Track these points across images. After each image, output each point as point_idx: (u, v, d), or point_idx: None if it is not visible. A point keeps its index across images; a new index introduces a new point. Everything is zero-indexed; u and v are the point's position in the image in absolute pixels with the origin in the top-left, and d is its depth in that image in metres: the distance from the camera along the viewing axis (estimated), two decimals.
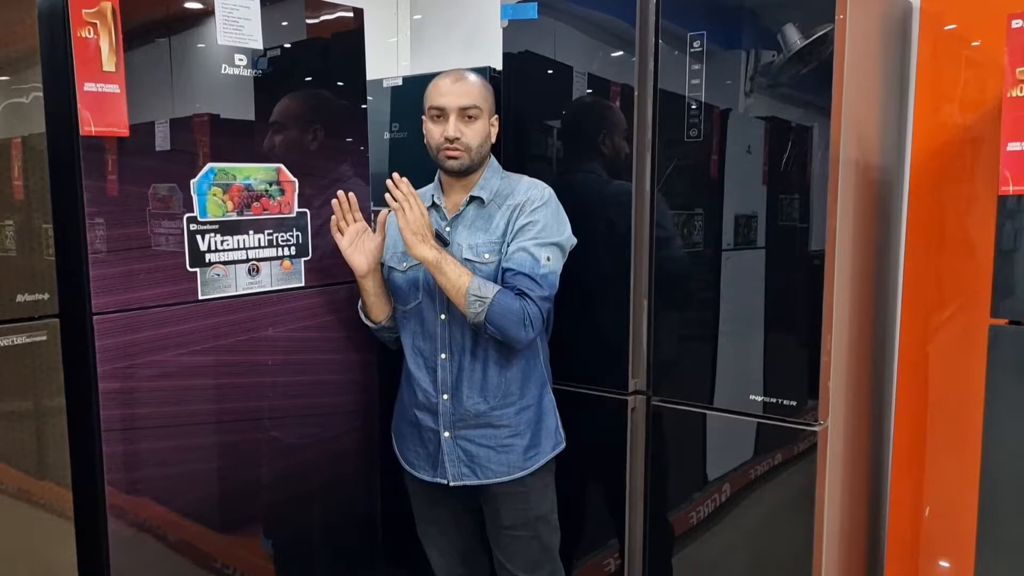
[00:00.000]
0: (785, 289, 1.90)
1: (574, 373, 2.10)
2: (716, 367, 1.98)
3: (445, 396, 1.88)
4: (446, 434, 1.88)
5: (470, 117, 1.84)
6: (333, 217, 1.89)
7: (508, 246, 1.82)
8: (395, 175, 1.78)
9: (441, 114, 1.84)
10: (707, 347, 1.99)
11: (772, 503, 1.95)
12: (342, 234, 1.89)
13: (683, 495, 2.05)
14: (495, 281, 1.82)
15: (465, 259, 1.83)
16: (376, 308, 1.96)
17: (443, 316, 1.87)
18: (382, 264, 1.96)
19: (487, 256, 1.84)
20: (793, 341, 1.90)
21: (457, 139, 1.82)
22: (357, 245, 1.89)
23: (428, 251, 1.75)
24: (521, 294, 1.77)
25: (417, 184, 1.99)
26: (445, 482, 1.90)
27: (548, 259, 1.80)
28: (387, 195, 1.78)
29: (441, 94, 1.84)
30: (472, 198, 1.89)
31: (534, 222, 1.81)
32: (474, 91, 1.85)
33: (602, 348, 2.02)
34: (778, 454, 1.92)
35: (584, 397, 2.10)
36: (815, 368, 1.85)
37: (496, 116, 1.92)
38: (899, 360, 2.28)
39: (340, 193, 1.89)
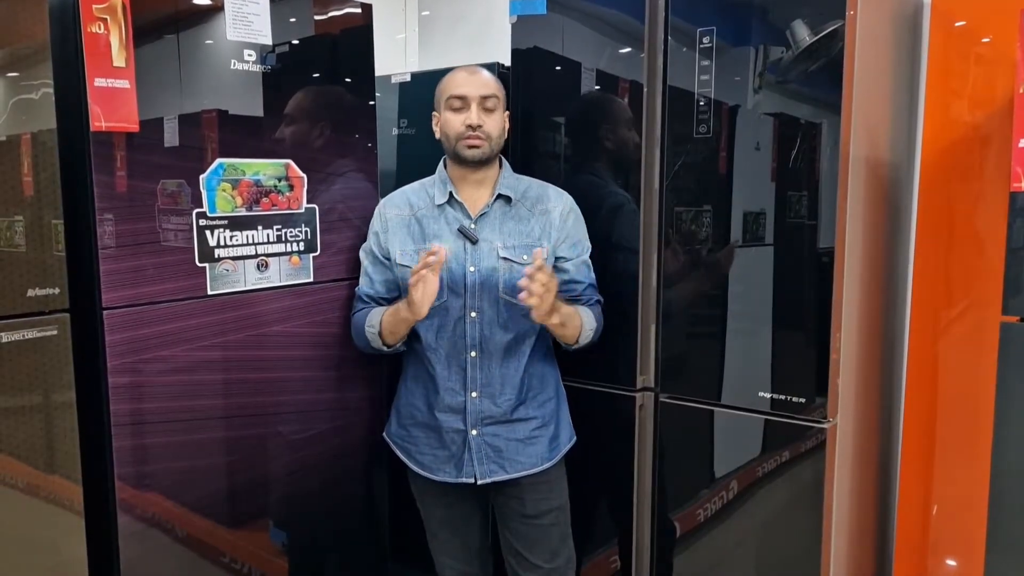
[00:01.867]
0: (794, 286, 1.89)
1: (583, 370, 2.09)
2: (724, 364, 1.98)
3: (473, 394, 1.87)
4: (473, 432, 1.87)
5: (489, 108, 1.85)
6: (425, 271, 1.70)
7: (562, 257, 1.91)
8: (535, 270, 1.66)
9: (462, 103, 1.84)
10: (715, 344, 1.98)
11: (780, 500, 1.95)
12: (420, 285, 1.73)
13: (691, 492, 2.05)
14: None
15: (502, 258, 1.85)
16: (403, 332, 1.89)
17: (473, 314, 1.85)
18: (385, 263, 1.93)
19: (525, 257, 1.85)
20: (802, 338, 1.89)
21: (480, 127, 1.83)
22: (426, 294, 1.74)
23: (555, 318, 1.79)
24: (594, 303, 1.96)
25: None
26: (472, 481, 1.88)
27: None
28: (523, 282, 1.68)
29: (461, 84, 1.85)
30: (499, 196, 1.89)
31: (580, 237, 1.95)
32: (492, 83, 1.87)
33: (610, 345, 2.02)
34: (786, 451, 1.92)
35: (592, 394, 2.10)
36: (824, 365, 1.85)
37: (507, 112, 1.93)
38: (908, 357, 2.27)
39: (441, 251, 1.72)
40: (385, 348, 1.91)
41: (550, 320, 1.78)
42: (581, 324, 1.87)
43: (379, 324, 1.88)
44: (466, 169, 1.88)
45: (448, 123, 1.86)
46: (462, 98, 1.84)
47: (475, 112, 1.83)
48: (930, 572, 2.28)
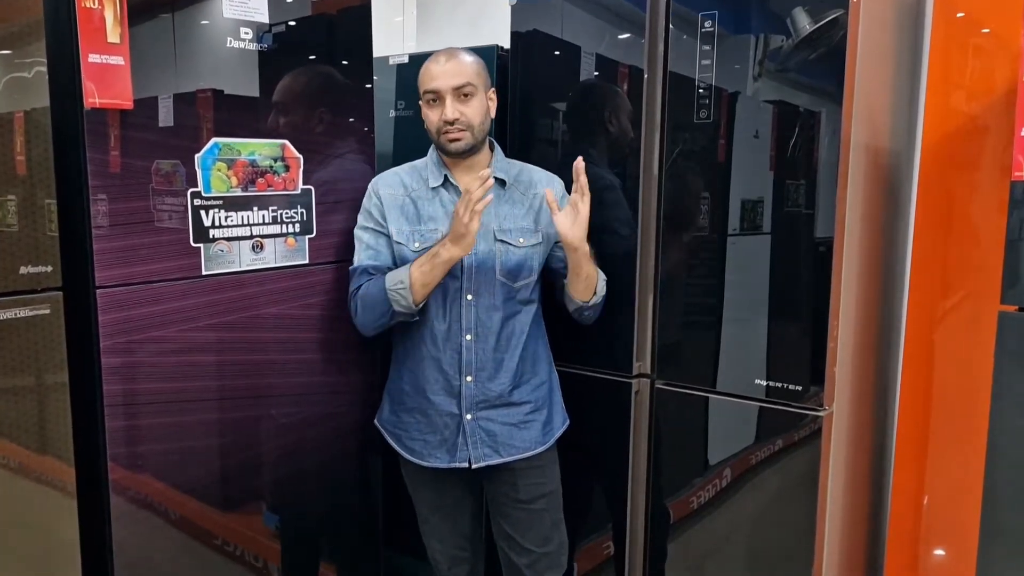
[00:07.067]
0: (791, 275, 1.89)
1: (579, 355, 2.09)
2: (721, 351, 1.98)
3: (468, 378, 1.86)
4: (468, 416, 1.87)
5: (465, 95, 1.81)
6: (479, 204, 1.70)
7: (551, 238, 1.91)
8: (580, 162, 1.78)
9: (436, 98, 1.81)
10: (712, 331, 1.98)
11: (775, 488, 1.95)
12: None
13: (685, 479, 2.05)
14: (531, 267, 1.89)
15: (499, 240, 1.84)
16: (439, 279, 1.80)
17: (469, 296, 1.84)
18: (388, 237, 1.88)
19: (521, 240, 1.86)
20: (798, 326, 1.89)
21: (456, 120, 1.80)
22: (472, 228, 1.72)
23: (586, 246, 1.82)
24: None
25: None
26: (466, 466, 1.87)
27: None
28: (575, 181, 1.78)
29: (433, 77, 1.81)
30: (494, 179, 1.87)
31: None
32: (466, 68, 1.82)
33: (607, 331, 2.02)
34: (781, 439, 1.92)
35: (589, 379, 2.10)
36: (821, 354, 1.84)
37: (493, 89, 1.89)
38: (905, 347, 2.28)
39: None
40: (414, 307, 1.79)
41: (584, 245, 1.81)
42: (596, 274, 1.90)
43: (409, 278, 1.77)
44: (455, 157, 1.87)
45: (427, 118, 1.85)
46: (435, 92, 1.81)
47: (449, 106, 1.79)
48: (922, 561, 2.29)
